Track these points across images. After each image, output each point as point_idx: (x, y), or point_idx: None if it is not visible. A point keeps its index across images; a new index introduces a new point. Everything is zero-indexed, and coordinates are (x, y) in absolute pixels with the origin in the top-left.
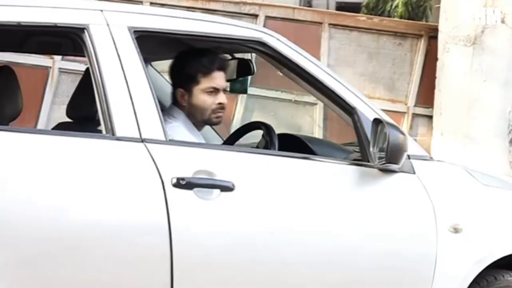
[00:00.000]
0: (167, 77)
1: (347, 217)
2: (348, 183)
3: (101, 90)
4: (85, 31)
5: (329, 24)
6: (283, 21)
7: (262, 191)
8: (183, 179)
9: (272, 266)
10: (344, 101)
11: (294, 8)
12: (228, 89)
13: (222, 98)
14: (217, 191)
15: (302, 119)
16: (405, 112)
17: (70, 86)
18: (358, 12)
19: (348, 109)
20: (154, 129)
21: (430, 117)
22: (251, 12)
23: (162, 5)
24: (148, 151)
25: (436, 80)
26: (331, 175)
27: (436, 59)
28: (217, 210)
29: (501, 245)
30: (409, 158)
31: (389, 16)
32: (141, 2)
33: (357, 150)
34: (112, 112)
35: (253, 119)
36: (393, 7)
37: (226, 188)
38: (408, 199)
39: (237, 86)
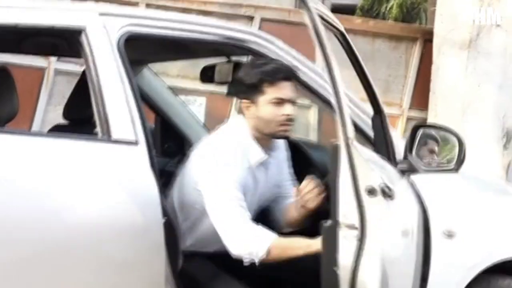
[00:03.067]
0: (165, 78)
1: None
2: None
3: (97, 93)
4: (82, 33)
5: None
6: (278, 23)
7: None
8: None
9: None
10: (376, 100)
11: (289, 11)
12: (226, 93)
13: (289, 109)
14: None
15: (296, 122)
16: (400, 115)
17: (65, 87)
18: (353, 14)
19: (377, 109)
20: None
21: (424, 120)
22: (247, 14)
23: (158, 6)
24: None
25: (431, 83)
26: None
27: (431, 62)
28: None
29: (495, 250)
30: None
31: (383, 18)
32: (137, 4)
33: None
34: (108, 114)
35: None
36: (387, 9)
37: None
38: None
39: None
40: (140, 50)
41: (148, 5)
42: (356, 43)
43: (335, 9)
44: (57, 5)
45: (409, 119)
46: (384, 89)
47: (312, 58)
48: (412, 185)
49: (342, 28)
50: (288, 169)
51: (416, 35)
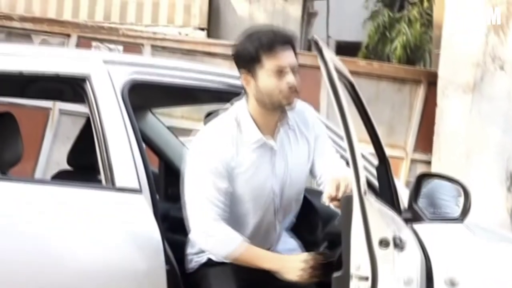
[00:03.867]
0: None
1: None
2: None
3: (102, 140)
4: (87, 81)
5: None
6: None
7: None
8: None
9: None
10: (382, 150)
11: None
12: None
13: (291, 78)
14: None
15: None
16: (403, 158)
17: (70, 127)
18: (357, 51)
19: (382, 159)
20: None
21: (428, 162)
22: None
23: (163, 47)
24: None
25: (435, 126)
26: None
27: (435, 104)
28: None
29: None
30: None
31: (388, 58)
32: (142, 45)
33: None
34: (112, 162)
35: None
36: (392, 49)
37: None
38: None
39: None
40: (144, 96)
41: (154, 46)
42: (360, 85)
43: (340, 47)
44: (63, 53)
45: (413, 162)
46: (388, 132)
47: (316, 100)
48: (416, 234)
49: (351, 78)
50: (323, 140)
51: (420, 78)
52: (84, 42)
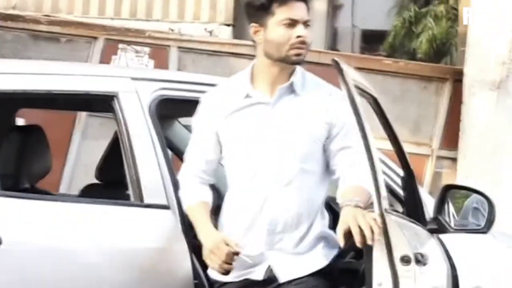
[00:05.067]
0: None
1: None
2: None
3: (129, 157)
4: (115, 98)
5: (355, 68)
6: (309, 64)
7: None
8: None
9: None
10: (406, 162)
11: (319, 52)
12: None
13: (301, 31)
14: None
15: None
16: (429, 155)
17: (98, 129)
18: (383, 40)
19: (407, 171)
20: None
21: (454, 159)
22: None
23: (190, 49)
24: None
25: (461, 123)
26: None
27: (461, 102)
28: None
29: None
30: None
31: (413, 52)
32: (169, 46)
33: None
34: (140, 179)
35: None
36: (417, 43)
37: None
38: None
39: None
40: (171, 109)
41: (180, 48)
42: (386, 83)
43: (365, 35)
44: (91, 70)
45: (438, 159)
46: (414, 129)
47: None
48: (442, 244)
49: (374, 93)
50: (335, 131)
51: (446, 76)
52: (110, 45)
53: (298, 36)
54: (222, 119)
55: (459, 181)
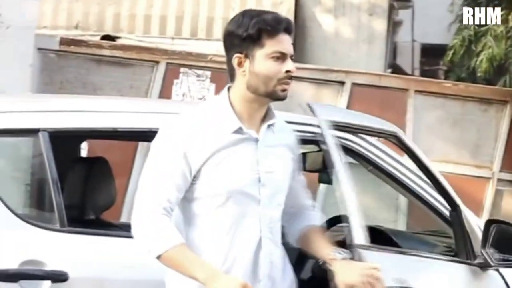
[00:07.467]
0: None
1: None
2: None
3: None
4: None
5: (415, 90)
6: (369, 87)
7: None
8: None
9: None
10: (450, 196)
11: (380, 75)
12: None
13: (290, 65)
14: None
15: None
16: (490, 178)
17: None
18: (443, 54)
19: (453, 205)
20: None
21: None
22: (338, 79)
23: None
24: None
25: None
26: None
27: None
28: None
29: None
30: None
31: (473, 71)
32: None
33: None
34: None
35: None
36: (477, 62)
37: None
38: None
39: (325, 177)
40: None
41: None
42: (446, 106)
43: (425, 49)
44: (155, 107)
45: (499, 181)
46: (474, 152)
47: (402, 122)
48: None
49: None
50: (296, 169)
51: (507, 98)
52: (172, 69)
53: (287, 71)
54: (205, 157)
55: None
